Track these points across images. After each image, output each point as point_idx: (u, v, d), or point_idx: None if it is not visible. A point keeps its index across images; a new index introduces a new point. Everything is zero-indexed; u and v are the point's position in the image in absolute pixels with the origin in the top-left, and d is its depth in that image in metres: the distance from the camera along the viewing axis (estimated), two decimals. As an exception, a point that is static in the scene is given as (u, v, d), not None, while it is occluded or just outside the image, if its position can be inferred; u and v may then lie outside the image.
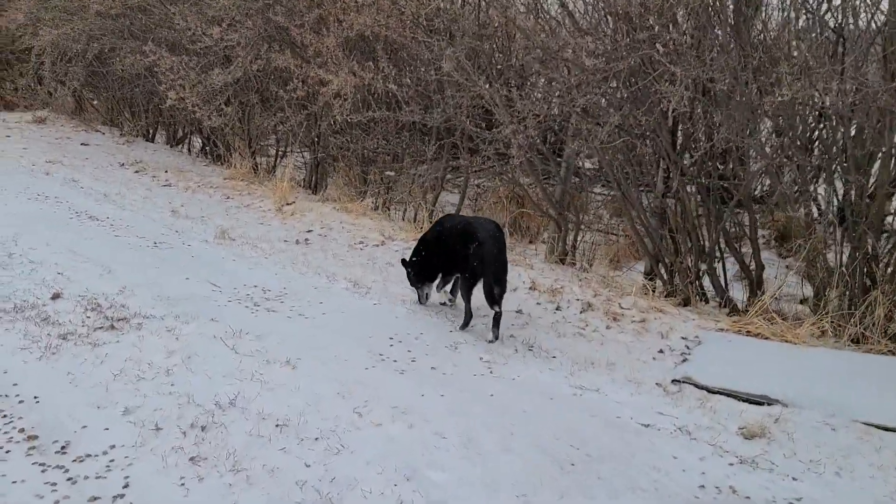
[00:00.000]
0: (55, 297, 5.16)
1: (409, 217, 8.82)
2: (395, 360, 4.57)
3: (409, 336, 5.02)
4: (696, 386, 4.37)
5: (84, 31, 11.03)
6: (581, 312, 5.66)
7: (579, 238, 7.87)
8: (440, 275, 5.61)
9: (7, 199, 8.51)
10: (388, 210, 9.33)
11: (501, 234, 5.27)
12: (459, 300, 5.50)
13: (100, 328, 4.66)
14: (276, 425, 3.60)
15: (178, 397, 3.81)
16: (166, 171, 10.91)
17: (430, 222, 8.30)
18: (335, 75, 7.07)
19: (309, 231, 7.73)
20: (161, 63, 9.07)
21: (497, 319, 5.11)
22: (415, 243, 5.85)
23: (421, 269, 5.61)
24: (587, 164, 9.39)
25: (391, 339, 4.94)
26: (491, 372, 4.53)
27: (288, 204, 8.65)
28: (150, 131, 14.68)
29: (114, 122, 15.31)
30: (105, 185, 9.81)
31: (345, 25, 7.41)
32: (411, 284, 5.72)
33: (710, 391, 4.32)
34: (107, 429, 3.51)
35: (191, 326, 4.79)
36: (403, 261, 5.72)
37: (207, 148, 13.72)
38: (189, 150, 14.04)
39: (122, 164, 11.46)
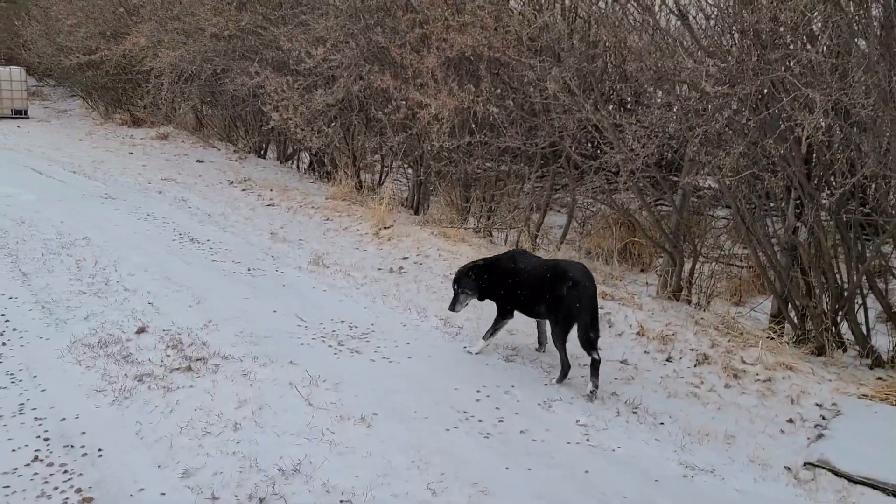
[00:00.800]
0: (140, 331, 5.07)
1: (511, 241, 8.36)
2: (480, 420, 4.13)
3: (498, 389, 4.57)
4: (835, 473, 3.67)
5: (199, 52, 11.27)
6: (696, 366, 5.01)
7: (696, 269, 7.15)
8: (510, 312, 5.12)
9: (119, 218, 8.73)
10: (490, 234, 8.91)
11: (592, 277, 4.76)
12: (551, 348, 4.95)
13: (177, 369, 4.49)
14: (340, 502, 3.24)
15: (241, 459, 3.53)
16: (271, 190, 10.95)
17: (534, 248, 7.83)
18: (433, 98, 6.73)
19: (404, 258, 7.42)
20: (266, 84, 9.06)
21: (596, 367, 4.58)
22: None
23: (483, 286, 5.12)
24: (708, 183, 8.62)
25: (478, 392, 4.50)
26: (588, 440, 4.00)
27: (385, 227, 8.39)
28: (263, 147, 14.94)
29: (229, 138, 15.73)
30: (211, 204, 9.92)
31: (446, 45, 7.06)
32: (462, 289, 5.12)
33: (851, 481, 3.62)
34: (163, 493, 3.27)
35: (267, 370, 4.53)
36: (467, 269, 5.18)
37: (315, 164, 13.81)
38: (297, 166, 14.17)
39: (231, 182, 11.63)
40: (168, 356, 4.69)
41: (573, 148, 6.38)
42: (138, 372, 4.43)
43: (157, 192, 10.60)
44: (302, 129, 8.99)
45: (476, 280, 5.11)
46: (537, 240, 8.30)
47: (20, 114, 19.31)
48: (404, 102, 7.52)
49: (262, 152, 14.87)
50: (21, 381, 4.35)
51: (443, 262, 7.22)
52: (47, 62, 20.21)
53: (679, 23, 5.76)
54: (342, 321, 5.63)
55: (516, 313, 5.14)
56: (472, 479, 3.46)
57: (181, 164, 13.10)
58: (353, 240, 8.21)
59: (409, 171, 11.36)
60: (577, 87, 6.08)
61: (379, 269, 7.12)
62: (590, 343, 4.59)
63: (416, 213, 10.36)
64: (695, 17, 5.86)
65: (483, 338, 5.18)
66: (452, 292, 5.19)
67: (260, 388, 4.28)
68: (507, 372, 4.87)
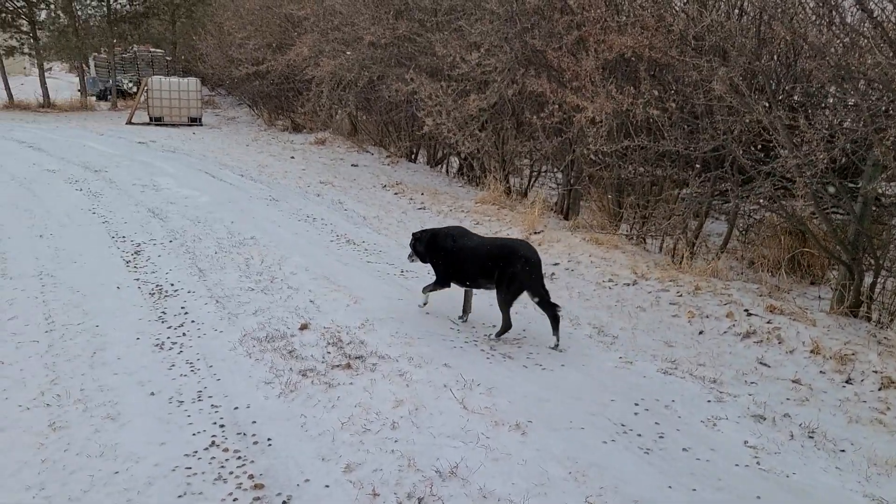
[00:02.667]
0: (303, 328, 5.30)
1: (667, 249, 8.03)
2: (639, 435, 3.97)
3: (657, 403, 4.38)
4: None
5: (357, 60, 11.72)
6: (880, 390, 4.57)
7: (878, 284, 6.54)
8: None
9: (282, 220, 9.22)
10: (644, 241, 8.63)
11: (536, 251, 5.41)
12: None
13: (337, 366, 4.64)
14: (498, 508, 3.21)
15: (399, 458, 3.58)
16: (422, 194, 11.19)
17: (692, 256, 7.48)
18: (590, 101, 6.59)
19: (555, 264, 7.32)
20: (420, 90, 9.26)
21: (557, 322, 5.27)
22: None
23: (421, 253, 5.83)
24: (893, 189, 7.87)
25: (637, 405, 4.34)
26: (758, 463, 3.74)
27: (536, 232, 8.33)
28: (413, 152, 15.32)
29: (382, 142, 16.27)
30: (366, 207, 10.27)
31: (604, 47, 6.90)
32: (412, 250, 5.89)
33: None
34: (327, 486, 3.38)
35: (423, 372, 4.59)
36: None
37: (464, 169, 13.97)
38: (447, 170, 14.40)
39: (384, 186, 12.00)
40: (329, 353, 4.86)
41: (741, 150, 6.02)
42: (302, 367, 4.63)
43: (316, 195, 11.11)
44: (454, 134, 9.10)
45: (416, 246, 5.82)
46: (695, 247, 7.93)
47: (195, 121, 20.94)
48: (559, 106, 7.43)
49: (412, 157, 15.25)
50: (199, 369, 4.66)
51: (595, 269, 7.06)
52: (219, 73, 21.85)
53: (863, 14, 5.29)
54: (493, 326, 5.61)
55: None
56: (632, 496, 3.32)
57: (337, 169, 13.68)
58: (503, 244, 8.19)
59: (559, 175, 11.24)
60: (747, 88, 5.73)
61: (530, 274, 7.05)
62: (549, 304, 5.25)
63: (566, 218, 10.22)
64: (882, 10, 5.37)
65: (423, 291, 5.88)
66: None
67: (416, 388, 4.34)
68: (666, 385, 4.66)
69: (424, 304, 5.94)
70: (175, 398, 4.27)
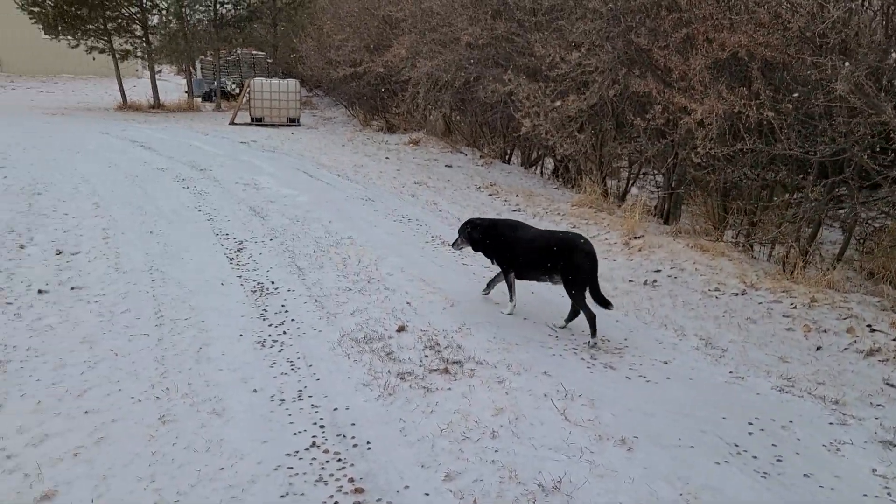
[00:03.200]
0: (400, 329, 5.28)
1: (777, 258, 7.62)
2: (754, 457, 3.73)
3: (773, 423, 4.12)
4: None
5: (454, 61, 11.71)
6: None
7: None
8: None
9: (378, 220, 9.30)
10: (751, 248, 8.22)
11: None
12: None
13: (435, 370, 4.60)
14: (604, 529, 3.08)
15: (500, 468, 3.49)
16: (517, 195, 11.07)
17: (804, 265, 7.06)
18: (699, 102, 6.31)
19: (657, 271, 7.06)
20: (519, 91, 9.14)
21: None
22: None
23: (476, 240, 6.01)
24: None
25: (751, 424, 4.09)
26: (889, 494, 3.45)
27: (636, 237, 8.06)
28: (507, 153, 15.21)
29: (475, 143, 16.25)
30: (460, 208, 10.23)
31: (715, 45, 6.60)
32: (460, 236, 6.14)
33: None
34: (427, 494, 3.33)
35: (522, 379, 4.49)
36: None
37: (559, 171, 13.76)
38: (541, 172, 14.23)
39: (478, 188, 11.94)
40: (426, 356, 4.83)
41: (865, 154, 5.62)
42: (400, 370, 4.61)
43: (411, 195, 11.16)
44: (552, 136, 8.94)
45: (472, 233, 5.94)
46: (808, 256, 7.49)
47: (293, 121, 21.50)
48: (665, 108, 7.16)
49: (506, 158, 15.15)
50: (299, 368, 4.71)
51: (700, 277, 6.76)
52: (317, 75, 22.36)
53: None
54: (583, 332, 5.44)
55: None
56: (750, 525, 3.12)
57: (431, 169, 13.72)
58: (602, 249, 7.98)
59: (659, 178, 10.89)
60: (873, 87, 5.34)
61: (630, 280, 6.84)
62: (604, 300, 5.30)
63: (666, 222, 9.89)
64: None
65: (510, 300, 5.85)
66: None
67: (515, 397, 4.24)
68: (782, 405, 4.38)
69: (510, 313, 5.83)
70: (277, 396, 4.33)
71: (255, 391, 4.39)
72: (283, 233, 8.37)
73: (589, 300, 5.49)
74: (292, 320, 5.59)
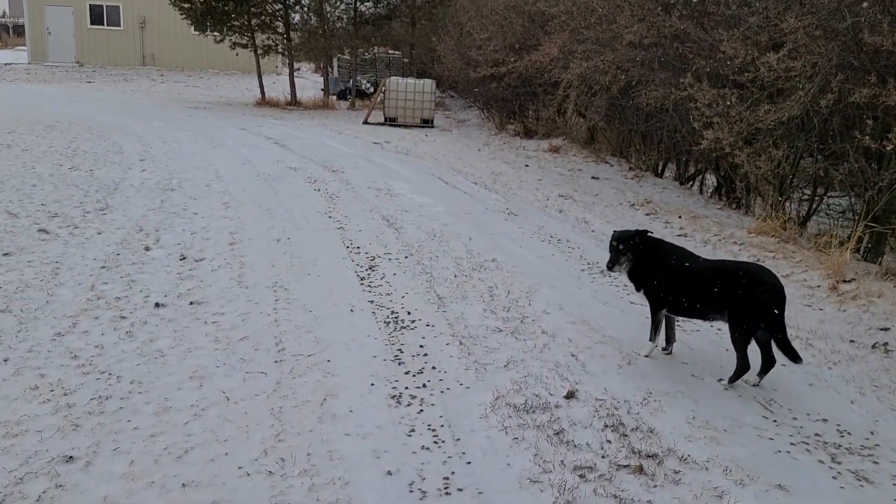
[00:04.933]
0: (569, 396, 4.17)
1: None
2: None
3: None
4: None
5: (614, 62, 10.46)
6: None
7: None
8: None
9: (523, 239, 8.22)
10: None
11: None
12: None
13: (624, 467, 3.46)
14: None
15: None
16: (680, 217, 9.68)
17: None
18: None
19: (885, 329, 5.58)
20: (699, 97, 7.79)
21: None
22: None
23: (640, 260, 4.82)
24: None
25: None
26: None
27: (845, 281, 6.56)
28: (660, 165, 13.74)
29: (623, 153, 14.85)
30: (615, 228, 8.95)
31: None
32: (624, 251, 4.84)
33: None
34: None
35: (748, 493, 3.27)
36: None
37: (723, 189, 12.18)
38: (701, 189, 12.68)
39: (632, 205, 10.62)
40: (609, 442, 3.69)
41: None
42: (577, 461, 3.50)
43: (558, 210, 10.01)
44: (739, 151, 7.54)
45: (636, 249, 4.75)
46: None
47: (427, 123, 20.80)
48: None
49: (659, 171, 13.67)
50: (443, 441, 3.70)
51: (949, 344, 5.23)
52: (455, 75, 21.58)
53: None
54: (823, 419, 4.12)
55: None
56: None
57: (576, 181, 12.50)
58: (801, 293, 6.53)
59: (841, 203, 9.24)
60: None
61: (851, 341, 5.40)
62: (790, 349, 4.33)
63: (864, 259, 8.22)
64: None
65: (650, 339, 4.85)
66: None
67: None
68: None
69: (647, 355, 4.87)
70: (416, 483, 3.33)
71: (388, 473, 3.41)
72: (420, 250, 7.45)
73: (776, 352, 4.40)
74: (433, 368, 4.60)
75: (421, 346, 4.94)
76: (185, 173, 11.33)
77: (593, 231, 8.87)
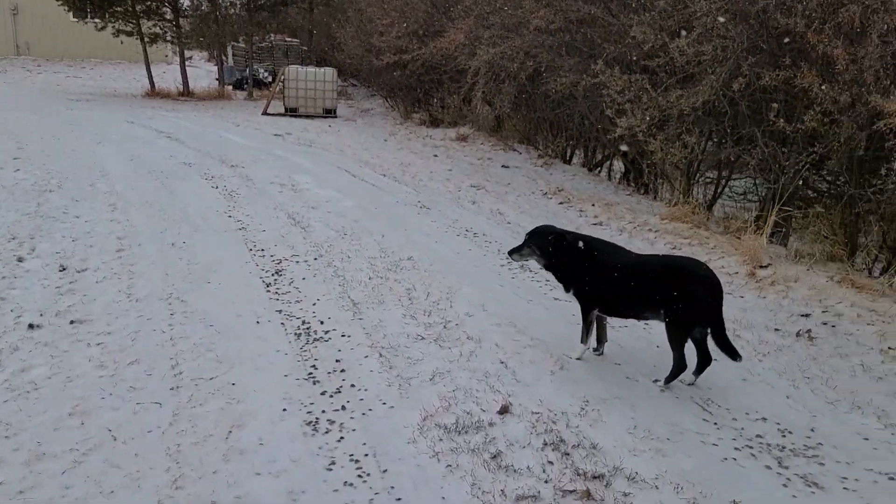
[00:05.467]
0: (503, 411, 3.85)
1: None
2: None
3: None
4: None
5: (521, 48, 10.21)
6: None
7: None
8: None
9: (438, 233, 7.87)
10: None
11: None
12: None
13: (570, 493, 3.15)
14: None
15: None
16: (593, 204, 9.56)
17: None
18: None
19: (805, 316, 5.55)
20: (611, 83, 7.63)
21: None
22: None
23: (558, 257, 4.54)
24: None
25: None
26: None
27: (762, 266, 6.54)
28: (568, 152, 13.67)
29: (531, 141, 14.72)
30: (532, 220, 8.73)
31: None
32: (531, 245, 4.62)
33: None
34: None
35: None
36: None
37: (631, 174, 12.21)
38: (609, 175, 12.68)
39: (545, 193, 10.45)
40: (551, 463, 3.38)
41: None
42: (519, 489, 3.17)
43: (471, 202, 9.71)
44: (653, 139, 7.43)
45: (556, 246, 4.44)
46: None
47: (330, 113, 20.13)
48: (816, 106, 5.63)
49: (567, 157, 13.61)
50: (368, 475, 3.30)
51: (868, 328, 5.23)
52: (357, 63, 20.96)
53: None
54: (763, 418, 3.97)
55: None
56: None
57: (487, 170, 12.25)
58: (722, 281, 6.44)
59: (741, 184, 9.39)
60: None
61: (776, 329, 5.32)
62: (728, 345, 4.13)
63: (773, 243, 8.33)
64: None
65: (581, 342, 4.58)
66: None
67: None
68: None
69: (579, 357, 4.62)
70: (341, 529, 2.92)
71: (309, 520, 2.99)
72: (330, 249, 6.98)
73: (712, 346, 4.22)
74: (352, 386, 4.18)
75: (337, 361, 4.51)
76: (66, 172, 10.36)
77: (509, 223, 8.61)
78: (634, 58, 7.81)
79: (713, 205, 10.13)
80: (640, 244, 7.75)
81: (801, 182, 7.80)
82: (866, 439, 3.76)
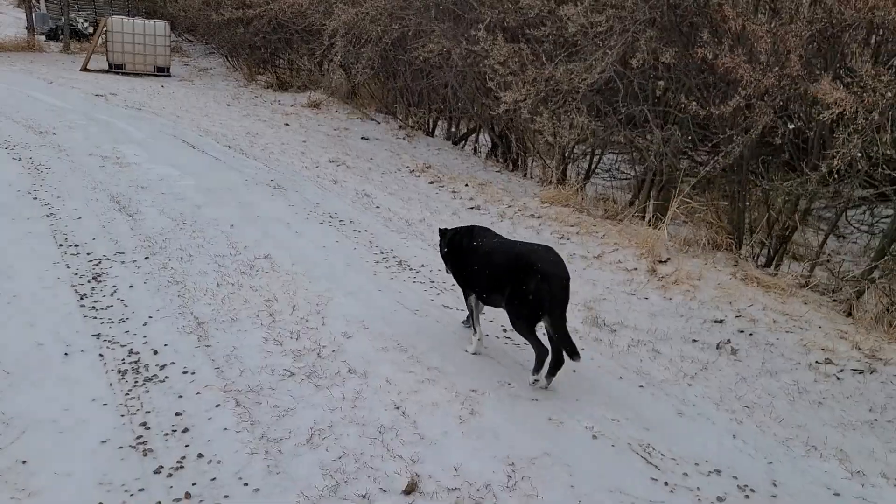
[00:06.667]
0: (410, 490, 2.90)
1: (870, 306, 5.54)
2: None
3: None
4: None
5: (385, 9, 9.13)
6: None
7: None
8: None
9: (298, 222, 6.73)
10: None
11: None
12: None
13: None
14: None
15: None
16: (466, 185, 8.76)
17: None
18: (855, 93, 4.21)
19: (718, 321, 5.03)
20: (494, 53, 6.78)
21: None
22: None
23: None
24: None
25: None
26: None
27: (661, 261, 6.00)
28: (430, 124, 12.78)
29: (389, 110, 13.68)
30: (402, 203, 7.80)
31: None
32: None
33: None
34: None
35: None
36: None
37: (499, 150, 11.54)
38: (475, 149, 11.94)
39: (412, 171, 9.52)
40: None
41: None
42: None
43: (332, 181, 8.59)
44: (539, 117, 6.68)
45: (443, 246, 4.51)
46: None
47: (162, 71, 17.99)
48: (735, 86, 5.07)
49: (429, 129, 12.71)
50: None
51: (788, 337, 4.79)
52: (193, 16, 18.89)
53: None
54: (716, 470, 3.29)
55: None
56: None
57: (345, 142, 11.11)
58: (620, 278, 5.85)
59: (634, 166, 8.96)
60: None
61: (694, 340, 4.75)
62: (568, 343, 3.74)
63: (650, 225, 7.93)
64: None
65: (473, 332, 4.33)
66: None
67: None
68: None
69: (475, 352, 4.28)
70: None
71: None
72: (166, 245, 5.69)
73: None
74: (199, 456, 3.08)
75: (178, 415, 3.37)
76: None
77: (378, 207, 7.61)
78: (515, 25, 7.00)
79: (585, 184, 9.64)
80: (525, 233, 7.03)
81: (683, 165, 7.40)
82: (837, 495, 3.19)
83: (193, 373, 3.77)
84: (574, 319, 4.83)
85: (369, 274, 5.55)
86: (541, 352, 3.83)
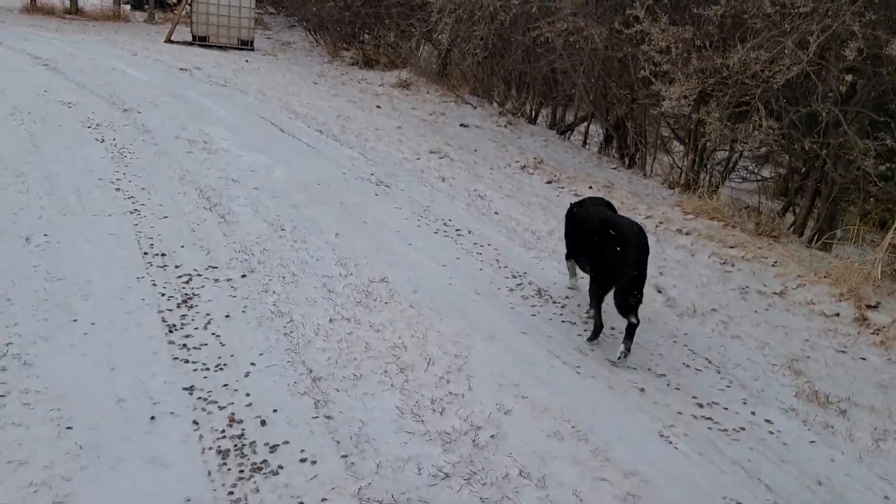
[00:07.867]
0: None
1: None
2: None
3: None
4: None
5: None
6: None
7: None
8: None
9: (408, 229, 5.77)
10: None
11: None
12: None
13: None
14: None
15: None
16: (590, 187, 7.65)
17: None
18: None
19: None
20: (655, 36, 5.62)
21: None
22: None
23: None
24: None
25: None
26: None
27: (870, 306, 4.80)
28: (532, 111, 11.66)
29: (485, 93, 12.59)
30: (524, 209, 6.76)
31: None
32: None
33: None
34: None
35: None
36: None
37: (613, 142, 10.37)
38: (584, 141, 10.78)
39: (524, 167, 8.45)
40: None
41: None
42: None
43: (438, 177, 7.60)
44: (707, 116, 5.52)
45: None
46: None
47: (246, 44, 17.30)
48: None
49: (532, 117, 11.59)
50: None
51: None
52: (281, -12, 18.10)
53: None
54: None
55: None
56: None
57: (443, 130, 10.11)
58: (818, 326, 4.68)
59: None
60: None
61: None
62: (629, 306, 3.84)
63: (809, 244, 6.71)
64: None
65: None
66: None
67: None
68: None
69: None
70: None
71: None
72: (265, 258, 4.81)
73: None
74: None
75: (298, 540, 2.44)
76: None
77: (496, 213, 6.59)
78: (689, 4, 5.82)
79: (720, 188, 8.39)
80: (672, 251, 5.91)
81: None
82: None
83: (314, 462, 2.85)
84: (784, 390, 3.73)
85: (505, 307, 4.54)
86: (598, 324, 4.07)
